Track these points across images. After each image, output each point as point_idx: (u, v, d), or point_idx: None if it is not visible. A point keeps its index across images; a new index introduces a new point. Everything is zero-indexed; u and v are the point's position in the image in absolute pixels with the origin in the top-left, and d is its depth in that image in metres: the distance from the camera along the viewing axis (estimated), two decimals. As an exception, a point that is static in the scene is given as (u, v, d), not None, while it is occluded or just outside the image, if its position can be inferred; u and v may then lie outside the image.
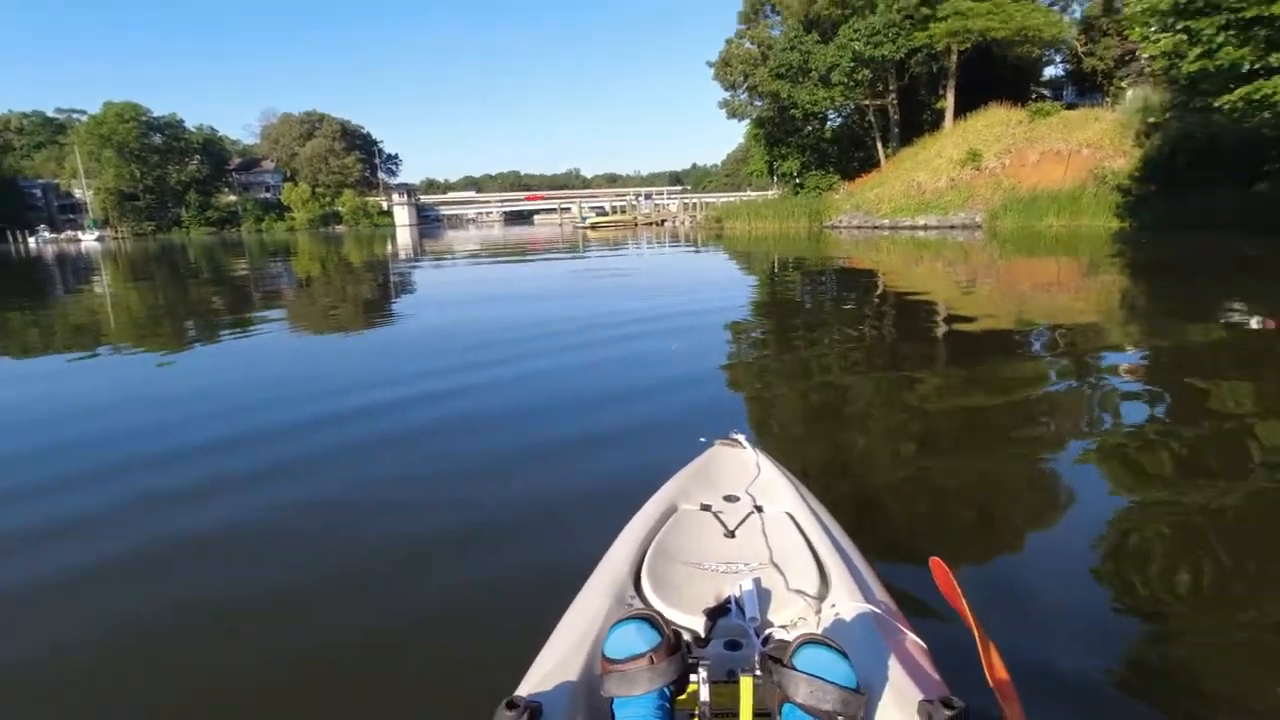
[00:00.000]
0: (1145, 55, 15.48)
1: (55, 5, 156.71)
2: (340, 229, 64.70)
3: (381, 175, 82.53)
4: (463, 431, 4.54)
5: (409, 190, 74.43)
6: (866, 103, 33.59)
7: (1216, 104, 13.90)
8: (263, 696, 2.07)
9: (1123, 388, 5.01)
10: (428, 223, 72.09)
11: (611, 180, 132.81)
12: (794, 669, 1.06)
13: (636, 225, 47.18)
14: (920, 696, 1.16)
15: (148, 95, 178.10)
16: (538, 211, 77.99)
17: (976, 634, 1.39)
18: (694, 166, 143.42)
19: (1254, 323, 6.82)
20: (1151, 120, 22.16)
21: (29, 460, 4.28)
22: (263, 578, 2.79)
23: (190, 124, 69.80)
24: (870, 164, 34.95)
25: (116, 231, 63.73)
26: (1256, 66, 12.68)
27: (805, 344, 6.94)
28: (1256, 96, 12.70)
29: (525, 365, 6.31)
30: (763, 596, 1.50)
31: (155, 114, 65.76)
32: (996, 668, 1.33)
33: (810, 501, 2.04)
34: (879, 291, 11.10)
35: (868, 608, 1.45)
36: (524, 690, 1.24)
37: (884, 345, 6.82)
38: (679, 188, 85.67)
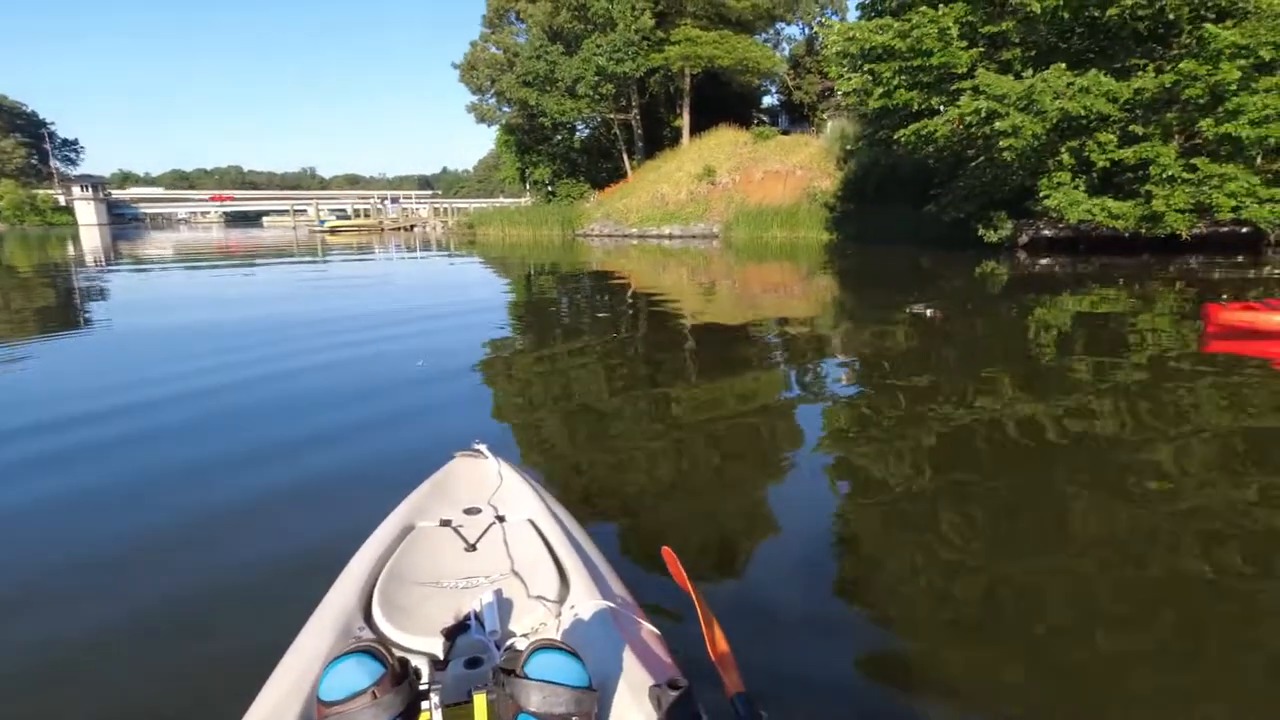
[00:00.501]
0: (840, 92, 18.18)
1: None
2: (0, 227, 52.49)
3: (55, 164, 68.43)
4: (172, 445, 3.97)
5: (95, 184, 62.33)
6: (612, 116, 35.22)
7: (895, 136, 16.74)
8: None
9: (833, 370, 5.81)
10: (123, 222, 61.29)
11: (353, 182, 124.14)
12: (526, 678, 1.04)
13: (383, 230, 44.59)
14: (651, 682, 1.19)
15: None
16: (267, 213, 70.09)
17: (700, 612, 1.47)
18: (445, 170, 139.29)
19: (928, 314, 8.32)
20: (848, 148, 26.10)
21: None
22: None
23: None
24: (618, 175, 36.71)
25: None
26: (922, 107, 15.51)
27: (557, 352, 7.01)
28: (923, 132, 15.52)
29: (247, 374, 5.65)
30: (503, 607, 1.46)
31: None
32: (718, 641, 1.43)
33: (553, 506, 2.02)
34: (629, 297, 11.65)
35: (605, 604, 1.46)
36: None
37: (632, 350, 7.15)
38: (429, 192, 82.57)
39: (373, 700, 1.02)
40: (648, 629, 1.47)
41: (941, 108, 15.15)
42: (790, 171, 28.40)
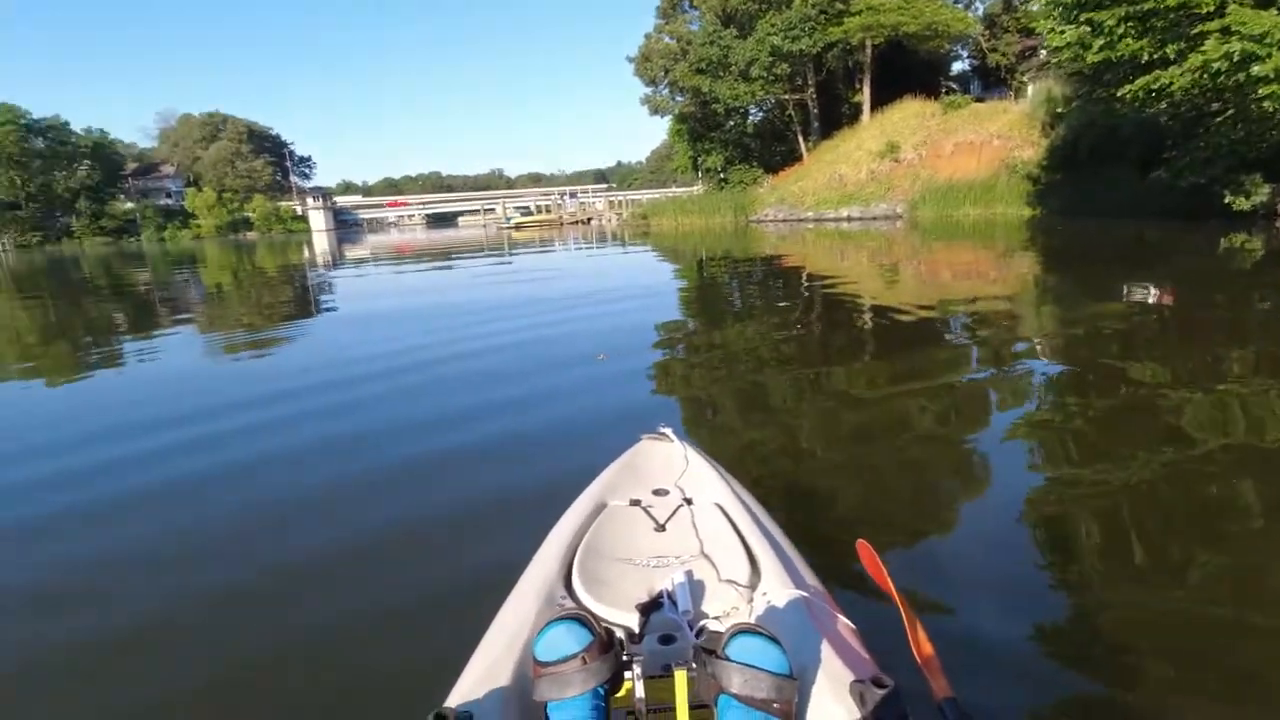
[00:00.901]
0: (1050, 47, 16.24)
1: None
2: (251, 236, 61.93)
3: (294, 179, 79.32)
4: (388, 436, 4.39)
5: (324, 194, 71.61)
6: (786, 97, 34.37)
7: (1118, 94, 14.67)
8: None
9: (1039, 367, 5.23)
10: (346, 227, 69.71)
11: (536, 180, 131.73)
12: (727, 659, 1.05)
13: (562, 224, 46.93)
14: (852, 678, 1.16)
15: (25, 96, 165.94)
16: (462, 213, 76.52)
17: (903, 612, 1.39)
18: (619, 164, 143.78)
19: (1152, 297, 7.27)
20: (1056, 111, 23.39)
21: None
22: (182, 590, 2.63)
23: (77, 126, 65.35)
24: (793, 157, 35.79)
25: (-1, 244, 59.14)
26: (1154, 57, 13.48)
27: (734, 337, 6.98)
28: (1154, 86, 13.44)
29: (450, 368, 6.15)
30: (695, 589, 1.47)
31: (35, 117, 61.24)
32: (922, 643, 1.34)
33: (739, 492, 2.01)
34: (805, 284, 11.32)
35: (798, 594, 1.43)
36: (454, 700, 1.19)
37: (810, 336, 6.94)
38: (604, 185, 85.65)
39: (583, 665, 1.08)
40: (844, 622, 1.42)
41: (1178, 55, 13.04)
42: (985, 142, 26.09)
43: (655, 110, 40.04)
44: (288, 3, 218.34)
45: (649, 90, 39.41)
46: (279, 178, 75.46)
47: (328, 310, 11.75)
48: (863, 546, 1.67)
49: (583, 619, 1.13)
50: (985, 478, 3.32)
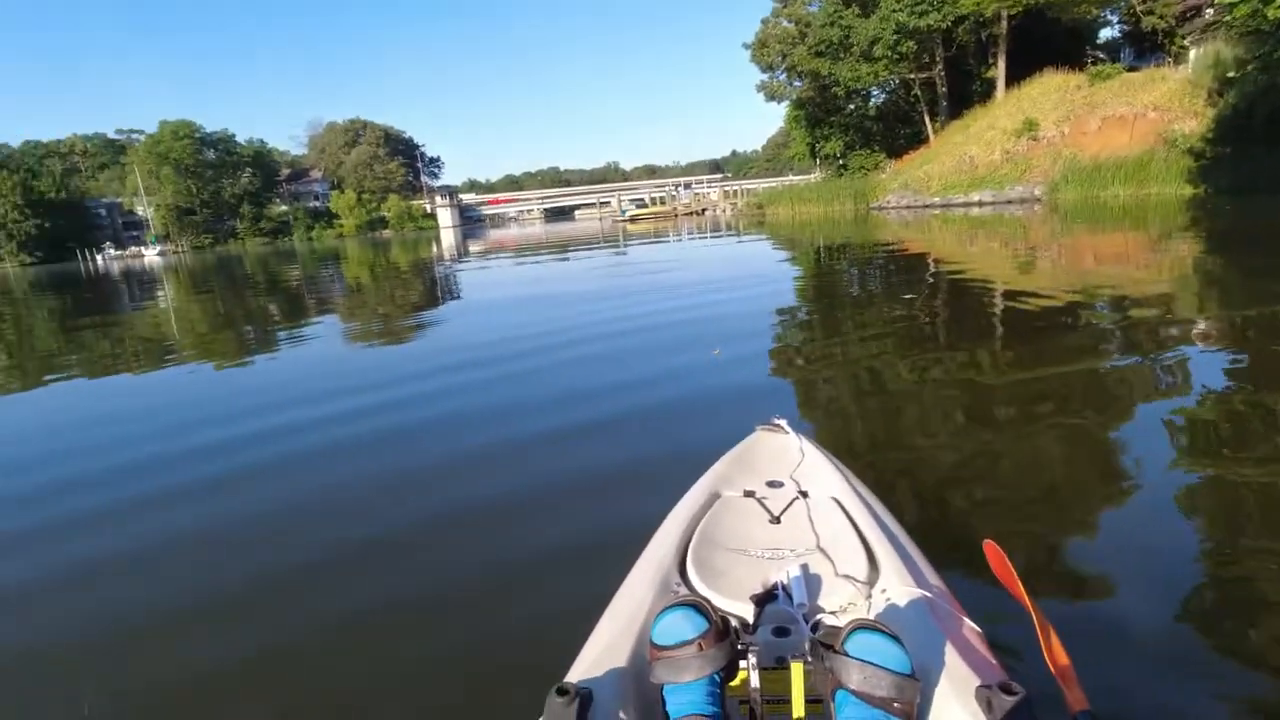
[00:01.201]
0: (1221, 4, 14.36)
1: (109, 31, 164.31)
2: (386, 234, 66.27)
3: (424, 178, 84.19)
4: (509, 417, 4.63)
5: (451, 192, 75.70)
6: (912, 76, 32.71)
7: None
8: (313, 686, 2.10)
9: (1197, 355, 4.72)
10: (470, 223, 73.25)
11: (651, 172, 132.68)
12: (846, 655, 1.04)
13: (676, 215, 47.06)
14: (978, 682, 1.11)
15: (200, 112, 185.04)
16: (578, 207, 78.45)
17: (1035, 618, 1.31)
18: (734, 153, 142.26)
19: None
20: (1227, 76, 20.81)
21: (98, 457, 4.49)
22: (308, 556, 2.89)
23: (241, 138, 72.44)
24: (918, 140, 34.08)
25: (176, 245, 66.53)
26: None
27: (852, 327, 6.77)
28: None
29: (564, 355, 6.35)
30: (810, 582, 1.46)
31: (208, 130, 68.41)
32: (1057, 652, 1.26)
33: (856, 485, 1.96)
34: (930, 272, 10.77)
35: (919, 593, 1.39)
36: (573, 676, 1.23)
37: (935, 326, 6.61)
38: (719, 175, 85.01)
39: (699, 651, 1.09)
40: (969, 625, 1.36)
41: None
42: (1139, 115, 23.69)
43: (772, 96, 39.36)
44: (419, 13, 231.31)
45: (765, 76, 38.79)
46: (411, 178, 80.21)
47: (452, 301, 12.43)
48: (991, 548, 1.59)
49: (699, 606, 1.14)
50: (1130, 474, 3.05)
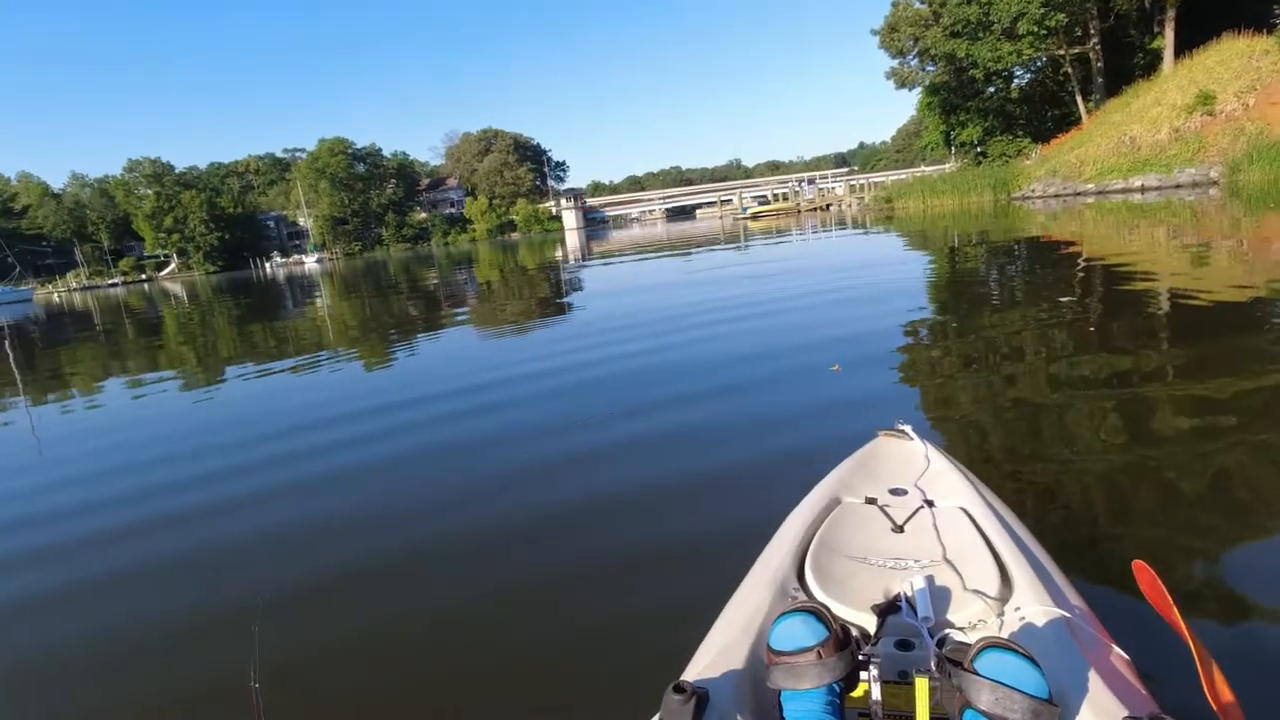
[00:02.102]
0: None
1: (279, 56, 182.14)
2: (515, 237, 69.21)
3: (550, 182, 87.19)
4: (628, 415, 4.75)
5: (576, 195, 77.99)
6: (1061, 52, 30.17)
7: None
8: (436, 684, 2.20)
9: None
10: (594, 224, 75.05)
11: (774, 168, 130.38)
12: (976, 674, 1.00)
13: (800, 212, 45.97)
14: (1124, 713, 1.04)
15: (352, 129, 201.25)
16: (699, 205, 78.43)
17: (1193, 647, 1.20)
18: (861, 145, 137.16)
19: None
20: None
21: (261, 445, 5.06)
22: (441, 539, 3.11)
23: (386, 151, 78.16)
24: (1067, 122, 31.41)
25: (331, 253, 72.72)
26: None
27: (988, 329, 6.34)
28: None
29: (687, 354, 6.42)
30: (936, 595, 1.41)
31: (358, 145, 74.27)
32: (1220, 687, 1.15)
33: (987, 497, 1.86)
34: (1080, 266, 9.89)
35: (1058, 613, 1.31)
36: (689, 675, 1.25)
37: (1087, 328, 6.07)
38: (845, 169, 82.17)
39: (818, 659, 1.08)
40: (1115, 651, 1.26)
41: None
42: (1343, 81, 20.60)
43: (902, 84, 37.57)
44: (549, 24, 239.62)
45: (895, 62, 37.08)
46: (538, 182, 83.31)
47: (575, 300, 12.81)
48: (1141, 569, 1.47)
49: (819, 613, 1.13)
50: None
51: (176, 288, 44.91)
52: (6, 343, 18.24)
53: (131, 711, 2.23)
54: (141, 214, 68.21)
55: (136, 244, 72.40)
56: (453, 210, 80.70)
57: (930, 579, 1.45)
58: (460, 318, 12.27)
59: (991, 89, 34.39)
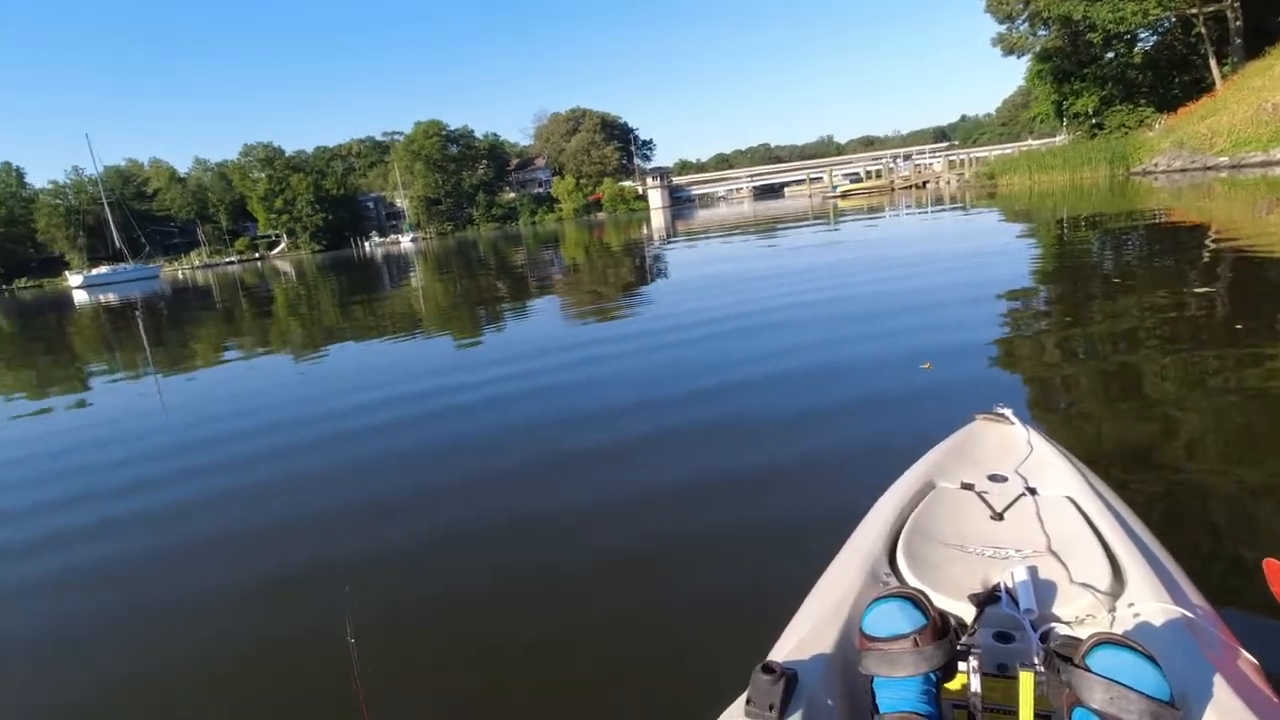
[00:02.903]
0: None
1: (381, 40, 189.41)
2: (600, 216, 69.70)
3: (637, 161, 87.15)
4: (719, 395, 4.74)
5: (662, 174, 77.71)
6: (1193, 11, 27.56)
7: None
8: (521, 650, 2.27)
9: None
10: (680, 203, 74.65)
11: (868, 144, 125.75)
12: (1088, 670, 0.95)
13: (893, 189, 44.17)
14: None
15: (446, 111, 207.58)
16: (788, 184, 76.68)
17: None
18: (962, 118, 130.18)
19: None
20: None
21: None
22: (528, 515, 3.19)
23: (478, 133, 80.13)
24: (1198, 89, 28.75)
25: (425, 232, 75.43)
26: None
27: (1100, 314, 5.91)
28: None
29: (770, 335, 6.34)
30: (1040, 587, 1.34)
31: (452, 128, 76.45)
32: None
33: (1097, 486, 1.75)
34: (1208, 247, 9.08)
35: (1177, 611, 1.23)
36: (778, 655, 1.25)
37: (1211, 311, 5.58)
38: (944, 144, 78.28)
39: (914, 647, 1.05)
40: (1242, 654, 1.17)
41: None
42: None
43: (1010, 50, 35.25)
44: (635, 7, 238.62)
45: (1003, 28, 34.78)
46: (625, 161, 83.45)
47: (660, 280, 12.83)
48: (1273, 568, 1.35)
49: (916, 599, 1.10)
50: None
51: (285, 265, 47.80)
52: (138, 315, 19.95)
53: (239, 661, 2.41)
54: (255, 196, 72.78)
55: (251, 224, 77.37)
56: (540, 190, 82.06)
57: (1033, 570, 1.39)
58: (546, 296, 12.53)
59: (1111, 54, 31.81)
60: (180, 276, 51.99)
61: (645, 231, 32.97)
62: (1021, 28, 33.91)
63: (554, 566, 2.72)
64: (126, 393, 7.80)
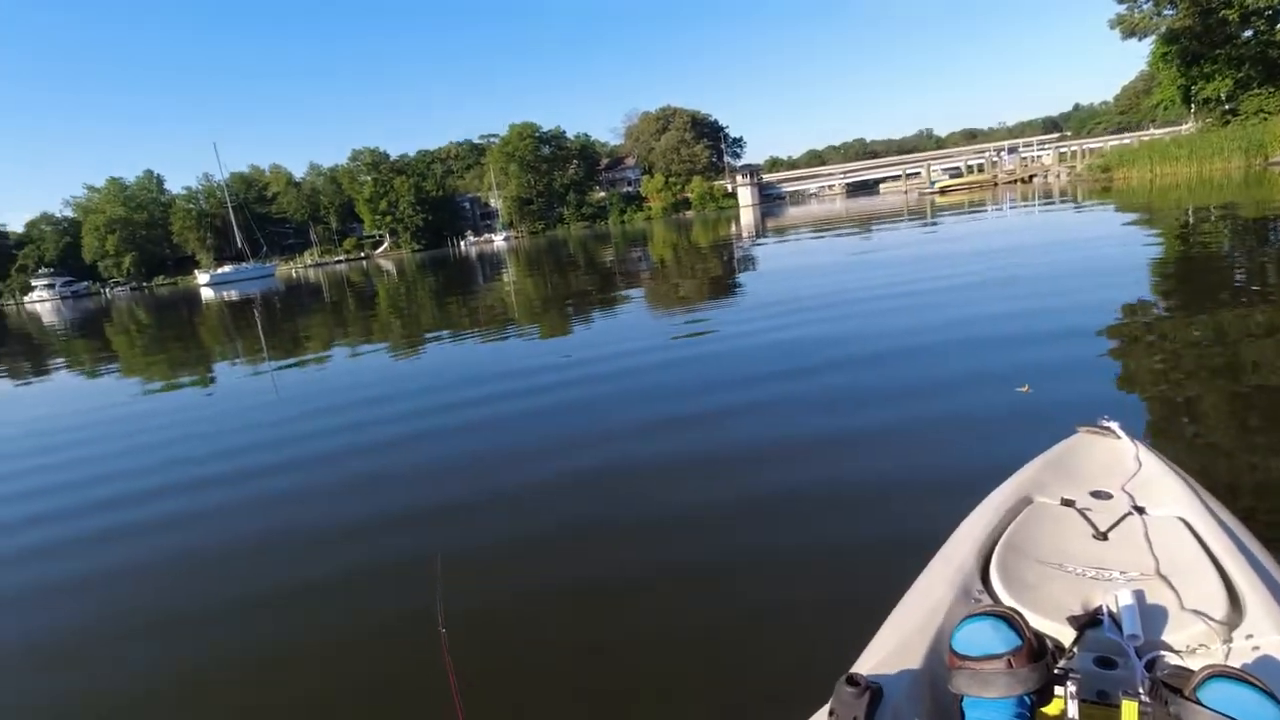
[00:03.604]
0: None
1: (470, 56, 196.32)
2: (689, 214, 69.55)
3: (727, 159, 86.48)
4: (806, 402, 4.68)
5: (752, 171, 76.82)
6: (1349, -15, 24.83)
7: None
8: (604, 648, 2.31)
9: None
10: (770, 201, 73.57)
11: (970, 137, 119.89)
12: (1199, 704, 0.91)
13: (996, 184, 41.98)
14: None
15: (539, 113, 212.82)
16: (882, 180, 74.26)
17: None
18: (1076, 108, 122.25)
19: None
20: None
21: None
22: (617, 514, 3.25)
23: (570, 133, 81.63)
24: (1353, 68, 25.84)
25: (517, 231, 77.53)
26: None
27: (1229, 321, 5.41)
28: None
29: (864, 344, 6.16)
30: (1146, 613, 1.27)
31: (544, 129, 78.22)
32: None
33: (1213, 508, 1.63)
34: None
35: None
36: (863, 667, 1.24)
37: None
38: (1054, 135, 73.70)
39: (1007, 668, 1.02)
40: None
41: None
42: None
43: (1131, 32, 32.73)
44: (725, 3, 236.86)
45: (1123, 8, 32.34)
46: (714, 159, 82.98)
47: (748, 279, 12.70)
48: None
49: (1011, 619, 1.07)
50: None
51: (388, 264, 50.29)
52: (256, 310, 21.49)
53: (338, 646, 2.56)
54: (362, 198, 76.98)
55: (357, 225, 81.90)
56: (630, 189, 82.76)
57: (1139, 594, 1.31)
58: (633, 293, 12.65)
59: (1249, 32, 29.05)
60: (294, 275, 55.49)
61: (734, 229, 32.71)
62: (1145, 7, 31.45)
63: (642, 566, 2.76)
64: (242, 381, 8.46)
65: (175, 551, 3.54)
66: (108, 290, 74.16)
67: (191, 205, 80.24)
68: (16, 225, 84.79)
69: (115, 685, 2.47)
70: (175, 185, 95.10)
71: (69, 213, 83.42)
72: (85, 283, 75.84)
